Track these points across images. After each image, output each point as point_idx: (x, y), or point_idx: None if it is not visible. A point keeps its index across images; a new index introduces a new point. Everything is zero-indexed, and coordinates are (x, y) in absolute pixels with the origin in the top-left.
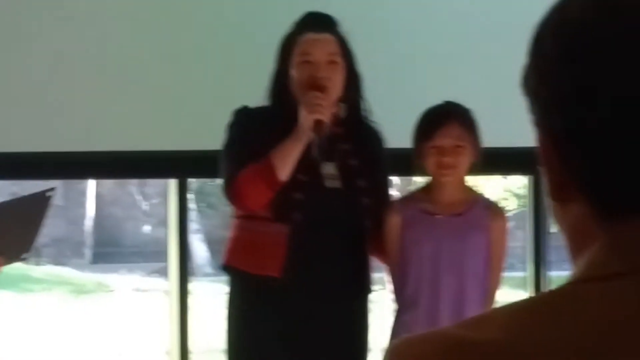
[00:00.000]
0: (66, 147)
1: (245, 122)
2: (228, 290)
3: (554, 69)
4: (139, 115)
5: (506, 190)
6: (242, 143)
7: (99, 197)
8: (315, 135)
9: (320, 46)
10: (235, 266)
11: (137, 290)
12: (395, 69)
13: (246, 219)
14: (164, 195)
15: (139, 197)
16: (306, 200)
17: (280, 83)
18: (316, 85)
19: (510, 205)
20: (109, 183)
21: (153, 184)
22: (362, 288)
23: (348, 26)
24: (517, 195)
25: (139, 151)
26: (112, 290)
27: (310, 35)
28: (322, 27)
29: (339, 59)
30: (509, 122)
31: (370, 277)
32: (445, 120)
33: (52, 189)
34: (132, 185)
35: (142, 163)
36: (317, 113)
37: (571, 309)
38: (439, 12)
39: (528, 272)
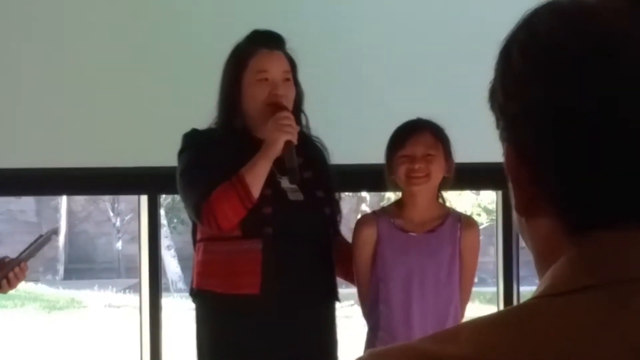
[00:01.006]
0: (38, 163)
1: (199, 144)
2: (199, 315)
3: (522, 85)
4: (110, 132)
5: (477, 206)
6: (204, 164)
7: (71, 213)
8: (287, 159)
9: (275, 64)
10: (209, 289)
11: (110, 306)
12: (364, 87)
13: (213, 241)
14: (136, 212)
15: (111, 214)
16: (275, 215)
17: (231, 100)
18: (276, 103)
19: (482, 220)
20: (81, 200)
21: (125, 201)
22: (332, 296)
23: (310, 44)
24: (488, 211)
25: (111, 167)
26: (84, 307)
27: (264, 52)
28: (274, 44)
29: (290, 76)
30: (478, 137)
31: (336, 285)
32: (418, 129)
33: (55, 230)
34: (105, 201)
35: (113, 179)
36: (288, 134)
37: (537, 323)
38: (407, 29)
39: (499, 288)
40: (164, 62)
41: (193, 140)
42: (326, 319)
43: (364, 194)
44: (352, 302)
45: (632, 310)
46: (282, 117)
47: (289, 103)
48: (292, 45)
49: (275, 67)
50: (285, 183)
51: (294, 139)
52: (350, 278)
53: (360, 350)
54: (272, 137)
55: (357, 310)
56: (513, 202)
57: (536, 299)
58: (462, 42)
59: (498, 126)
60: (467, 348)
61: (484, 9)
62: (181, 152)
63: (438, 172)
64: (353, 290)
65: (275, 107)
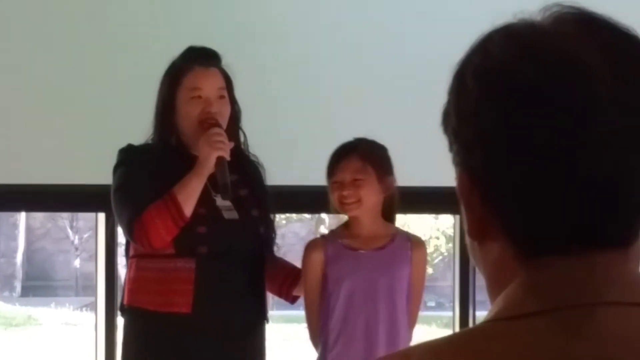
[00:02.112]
0: None
1: (134, 160)
2: (127, 332)
3: (476, 109)
4: (68, 149)
5: (436, 230)
6: (138, 181)
7: (30, 230)
8: (219, 175)
9: (210, 81)
10: (140, 306)
11: (67, 324)
12: (324, 107)
13: (146, 257)
14: (95, 230)
15: (70, 231)
16: (209, 233)
17: (166, 118)
18: (209, 121)
19: (440, 244)
20: (40, 216)
21: (84, 218)
22: (263, 317)
23: (254, 62)
24: (447, 235)
25: (68, 185)
26: (41, 324)
27: (198, 70)
28: (209, 61)
29: (225, 94)
30: (437, 161)
31: (267, 306)
32: (345, 155)
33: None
34: (64, 219)
35: (71, 197)
36: (219, 150)
37: (486, 346)
38: (362, 47)
39: (455, 312)
40: (122, 80)
41: (128, 156)
42: (256, 339)
43: (323, 216)
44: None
45: (581, 335)
46: (213, 134)
47: (223, 120)
48: (242, 62)
49: (208, 85)
50: (220, 201)
51: (226, 154)
52: (285, 295)
53: None
54: (203, 154)
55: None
56: (465, 225)
57: (487, 323)
58: (419, 63)
59: (451, 149)
60: None
61: (440, 29)
62: (116, 168)
63: (370, 195)
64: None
65: (207, 124)
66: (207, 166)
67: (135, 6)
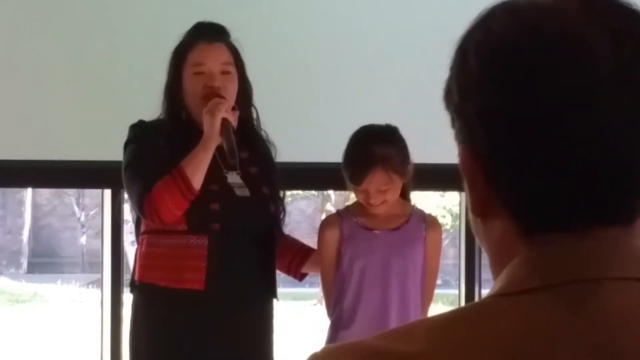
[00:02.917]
0: (1, 155)
1: (145, 136)
2: (137, 307)
3: (477, 86)
4: (74, 125)
5: (442, 208)
6: (148, 157)
7: (36, 207)
8: (225, 139)
9: (213, 56)
10: (151, 282)
11: (73, 300)
12: (333, 85)
13: (158, 233)
14: (101, 207)
15: (76, 208)
16: (222, 210)
17: (173, 94)
18: (212, 95)
19: (446, 222)
20: (46, 193)
21: (90, 195)
22: (273, 295)
23: (263, 38)
24: (453, 213)
25: (75, 161)
26: (47, 300)
27: (203, 45)
28: (214, 36)
29: (232, 69)
30: (443, 138)
31: (276, 283)
32: (369, 169)
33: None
34: (70, 196)
35: (77, 173)
36: (221, 113)
37: (489, 321)
38: (368, 27)
39: (460, 290)
40: (130, 56)
41: (138, 132)
42: (266, 316)
43: (329, 193)
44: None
45: (585, 310)
46: (213, 103)
47: (228, 94)
48: (251, 38)
49: (212, 60)
50: (231, 178)
51: (230, 118)
52: (293, 272)
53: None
54: (206, 125)
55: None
56: (468, 203)
57: (490, 298)
58: (424, 41)
59: (453, 126)
60: (421, 345)
61: (445, 6)
62: (127, 144)
63: (394, 194)
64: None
65: (209, 98)
66: (213, 136)
67: None
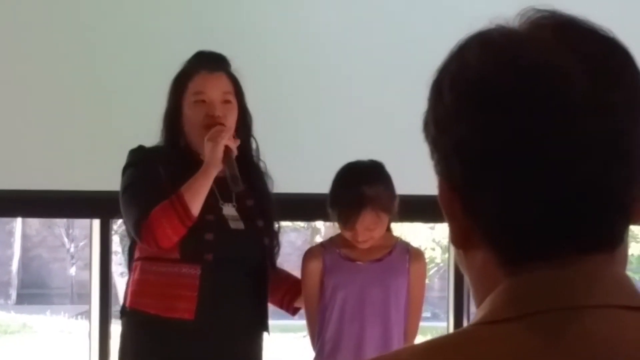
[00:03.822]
0: None
1: (143, 161)
2: (126, 334)
3: (452, 119)
4: (64, 155)
5: (432, 240)
6: (147, 182)
7: (25, 238)
8: (228, 167)
9: (214, 85)
10: (142, 309)
11: (62, 332)
12: (321, 116)
13: (151, 260)
14: (90, 236)
15: (65, 239)
16: (216, 241)
17: (173, 122)
18: (214, 124)
19: (436, 255)
20: (36, 224)
21: (80, 226)
22: (263, 327)
23: (268, 70)
24: (442, 246)
25: (64, 191)
26: (36, 332)
27: (204, 74)
28: (215, 65)
29: (232, 98)
30: (431, 169)
31: (267, 317)
32: (360, 210)
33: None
34: (59, 227)
35: (66, 202)
36: (223, 141)
37: (470, 349)
38: (351, 60)
39: (449, 322)
40: (119, 87)
41: (137, 157)
42: (255, 349)
43: (319, 225)
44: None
45: (563, 338)
46: (215, 131)
47: (229, 124)
48: (249, 71)
49: (212, 89)
50: (227, 210)
51: (232, 146)
52: (286, 307)
53: None
54: (208, 151)
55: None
56: (449, 234)
57: (472, 327)
58: (410, 72)
59: (432, 158)
60: None
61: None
62: (125, 169)
63: (382, 230)
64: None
65: (210, 128)
66: (215, 163)
67: (138, 10)
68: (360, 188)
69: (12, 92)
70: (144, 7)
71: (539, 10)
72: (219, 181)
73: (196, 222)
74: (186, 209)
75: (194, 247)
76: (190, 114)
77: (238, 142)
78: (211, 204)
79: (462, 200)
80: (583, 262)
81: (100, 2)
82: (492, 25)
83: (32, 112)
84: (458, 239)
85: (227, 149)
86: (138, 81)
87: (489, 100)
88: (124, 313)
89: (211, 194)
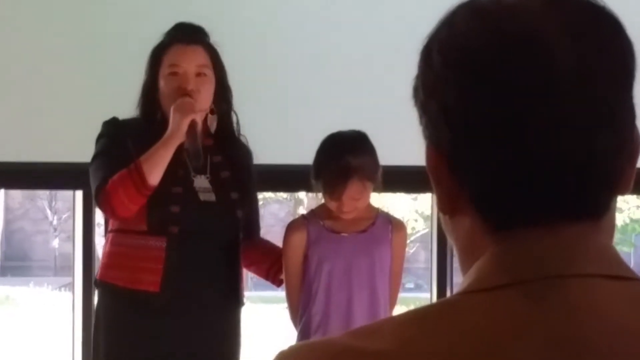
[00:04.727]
0: None
1: (114, 132)
2: (99, 306)
3: (440, 84)
4: (46, 127)
5: (414, 212)
6: (111, 153)
7: (8, 210)
8: (190, 140)
9: (188, 58)
10: (111, 281)
11: (45, 304)
12: (303, 87)
13: (121, 233)
14: (73, 209)
15: (48, 212)
16: (182, 213)
17: (149, 94)
18: (183, 96)
19: (419, 227)
20: (18, 197)
21: (63, 199)
22: (237, 300)
23: (248, 43)
24: (425, 216)
25: (46, 162)
26: (19, 304)
27: (179, 46)
28: (191, 38)
29: (208, 71)
30: (415, 140)
31: (243, 290)
32: (347, 180)
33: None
34: (42, 199)
35: (48, 174)
36: (188, 115)
37: (458, 318)
38: (333, 31)
39: (432, 293)
40: (100, 57)
41: (109, 128)
42: (227, 322)
43: (302, 196)
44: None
45: (548, 307)
46: (182, 102)
47: (202, 97)
48: (231, 41)
49: (186, 61)
50: (198, 182)
51: (198, 120)
52: (272, 278)
53: None
54: (173, 123)
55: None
56: (436, 200)
57: (458, 295)
58: (394, 42)
59: (421, 123)
60: (389, 343)
61: (412, 8)
62: (96, 140)
63: (367, 199)
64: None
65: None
66: (177, 135)
67: None
68: (346, 158)
69: None
70: None
71: None
72: (190, 153)
73: (162, 194)
74: (142, 178)
75: (160, 219)
76: (164, 86)
77: (215, 118)
78: (181, 176)
79: (448, 165)
80: (567, 230)
81: None
82: None
83: (14, 83)
84: (444, 204)
85: (193, 122)
86: (122, 52)
87: (474, 67)
88: (97, 285)
89: (183, 166)
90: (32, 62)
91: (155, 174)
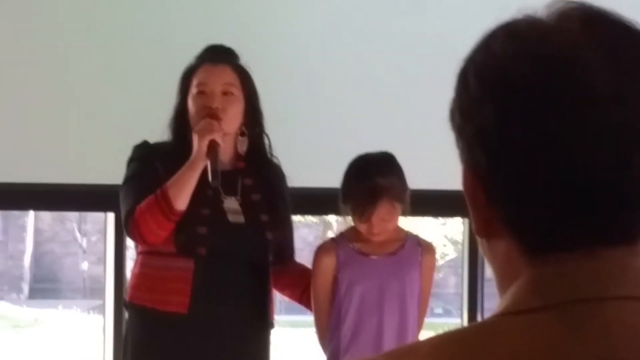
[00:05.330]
0: (4, 177)
1: (144, 157)
2: (128, 327)
3: (477, 107)
4: (78, 148)
5: (444, 236)
6: (141, 178)
7: (38, 232)
8: (210, 160)
9: (215, 76)
10: (139, 303)
11: (74, 326)
12: (334, 110)
13: (150, 254)
14: (103, 233)
15: (78, 234)
16: (210, 235)
17: (179, 116)
18: (209, 115)
19: (448, 251)
20: (48, 219)
21: (92, 221)
22: (265, 323)
23: (279, 66)
24: (454, 241)
25: (78, 184)
26: (48, 326)
27: (207, 66)
28: (219, 58)
29: (235, 90)
30: (446, 163)
31: (272, 312)
32: (376, 201)
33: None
34: (72, 222)
35: (80, 196)
36: (208, 136)
37: (493, 340)
38: (376, 51)
39: (463, 319)
40: (133, 79)
41: (138, 153)
42: (255, 344)
43: (331, 220)
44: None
45: (586, 330)
46: (205, 122)
47: (228, 115)
48: (262, 65)
49: (213, 80)
50: (228, 203)
51: (219, 139)
52: (306, 302)
53: None
54: (195, 146)
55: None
56: (472, 223)
57: (495, 317)
58: (425, 65)
59: (458, 146)
60: None
61: (447, 29)
62: (127, 164)
63: (396, 220)
64: None
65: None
66: (199, 157)
67: (148, 5)
68: (375, 179)
69: (24, 84)
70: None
71: (567, 2)
72: (222, 174)
73: (190, 216)
74: (169, 204)
75: (187, 241)
76: (192, 105)
77: (246, 140)
78: (210, 197)
79: (485, 188)
80: (605, 254)
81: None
82: (520, 16)
83: (47, 105)
84: (481, 228)
85: (213, 142)
86: (151, 74)
87: (511, 89)
88: (126, 306)
89: (211, 186)
90: (64, 84)
91: (181, 199)
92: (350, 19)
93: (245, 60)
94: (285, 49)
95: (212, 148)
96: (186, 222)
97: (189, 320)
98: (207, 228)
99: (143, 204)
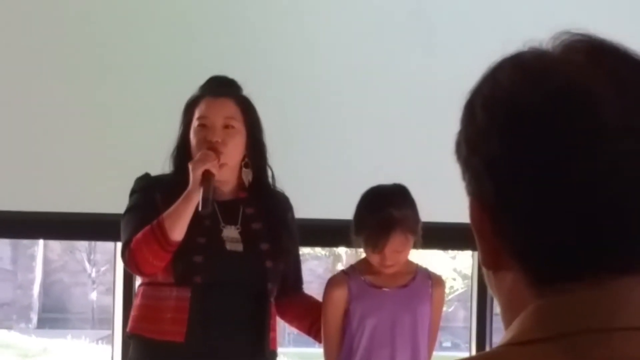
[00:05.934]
0: (14, 206)
1: (144, 189)
2: (130, 358)
3: (484, 139)
4: (87, 177)
5: (453, 270)
6: (140, 209)
7: (47, 262)
8: (203, 189)
9: (216, 109)
10: (140, 333)
11: (82, 356)
12: (344, 141)
13: (150, 285)
14: (112, 263)
15: (87, 264)
16: (206, 263)
17: (180, 148)
18: (210, 149)
19: (456, 285)
20: (57, 249)
21: (101, 252)
22: (262, 352)
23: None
24: (463, 275)
25: (87, 213)
26: (56, 356)
27: (208, 99)
28: (221, 90)
29: (236, 124)
30: (456, 197)
31: (271, 341)
32: (389, 232)
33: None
34: (81, 252)
35: (89, 225)
36: (202, 165)
37: None
38: (374, 85)
39: (471, 352)
40: (142, 109)
41: (139, 185)
42: None
43: (340, 252)
44: None
45: (592, 359)
46: (201, 154)
47: (229, 149)
48: (266, 96)
49: (214, 113)
50: (227, 232)
51: (215, 170)
52: (314, 334)
53: None
54: (191, 175)
55: None
56: (479, 255)
57: (500, 347)
58: (434, 99)
59: (464, 178)
60: None
61: (457, 64)
62: (129, 196)
63: (408, 252)
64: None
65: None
66: (194, 187)
67: (153, 35)
68: (388, 210)
69: (36, 113)
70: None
71: (573, 34)
72: (223, 204)
73: (187, 245)
74: (165, 234)
75: (184, 270)
76: (193, 138)
77: (250, 173)
78: (207, 226)
79: (492, 220)
80: (612, 284)
81: (113, 23)
82: (526, 48)
83: (55, 134)
84: (488, 259)
85: (207, 172)
86: (159, 105)
87: (519, 121)
88: (129, 338)
89: (210, 216)
90: (72, 111)
91: (177, 230)
92: (362, 55)
93: (258, 90)
94: (299, 82)
95: (206, 178)
96: (183, 252)
97: (186, 349)
98: (203, 256)
99: (139, 235)
